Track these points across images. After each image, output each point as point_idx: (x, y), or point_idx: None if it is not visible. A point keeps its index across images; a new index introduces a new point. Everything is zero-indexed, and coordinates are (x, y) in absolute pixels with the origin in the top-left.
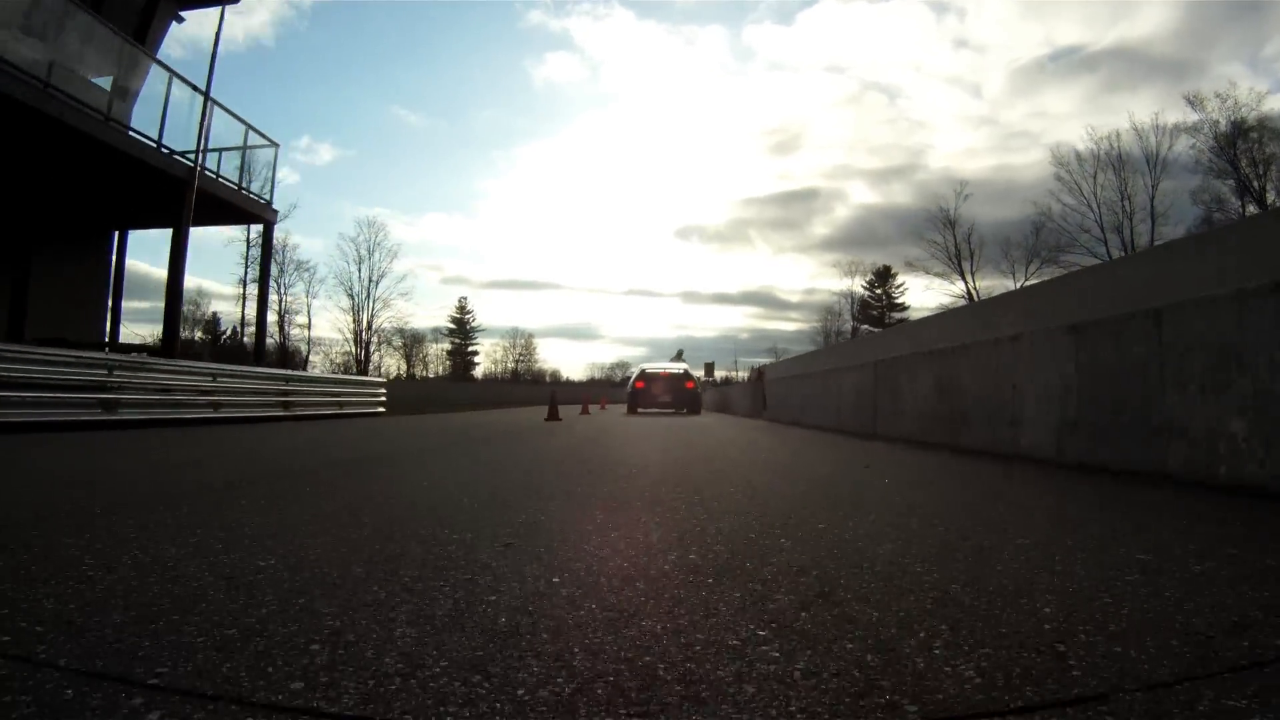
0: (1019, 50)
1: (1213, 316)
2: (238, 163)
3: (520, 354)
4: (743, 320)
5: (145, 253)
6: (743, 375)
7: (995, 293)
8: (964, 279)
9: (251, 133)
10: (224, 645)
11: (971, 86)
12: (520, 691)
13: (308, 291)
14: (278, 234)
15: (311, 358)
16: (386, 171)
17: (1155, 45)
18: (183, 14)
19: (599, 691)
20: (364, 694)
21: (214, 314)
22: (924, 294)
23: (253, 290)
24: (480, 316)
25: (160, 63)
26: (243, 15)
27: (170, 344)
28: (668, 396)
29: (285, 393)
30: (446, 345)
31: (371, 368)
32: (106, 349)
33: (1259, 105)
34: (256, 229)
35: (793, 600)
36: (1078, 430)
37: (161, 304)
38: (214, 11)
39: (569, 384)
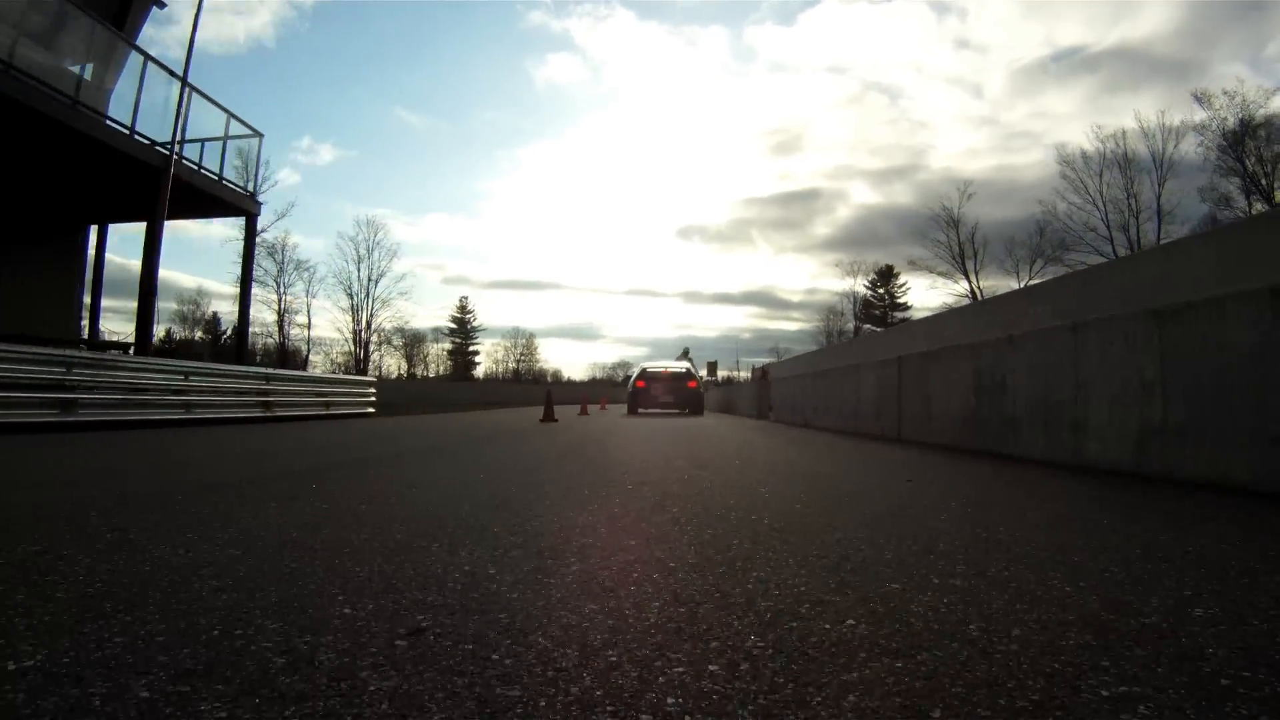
0: (1020, 51)
1: None
2: (232, 159)
3: (521, 354)
4: (744, 320)
5: (137, 250)
6: (744, 375)
7: (999, 291)
8: (968, 278)
9: (234, 122)
10: None
11: (973, 87)
12: None
13: (308, 291)
14: (278, 234)
15: (312, 357)
16: (389, 172)
17: (1157, 45)
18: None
19: None
20: None
21: (214, 314)
22: (927, 293)
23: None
24: (482, 316)
25: (136, 47)
26: (244, 16)
27: (144, 341)
28: (669, 397)
29: (265, 392)
30: (447, 345)
31: (371, 367)
32: (82, 347)
33: (1267, 103)
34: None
35: None
36: (1164, 435)
37: (160, 304)
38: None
39: (570, 384)
